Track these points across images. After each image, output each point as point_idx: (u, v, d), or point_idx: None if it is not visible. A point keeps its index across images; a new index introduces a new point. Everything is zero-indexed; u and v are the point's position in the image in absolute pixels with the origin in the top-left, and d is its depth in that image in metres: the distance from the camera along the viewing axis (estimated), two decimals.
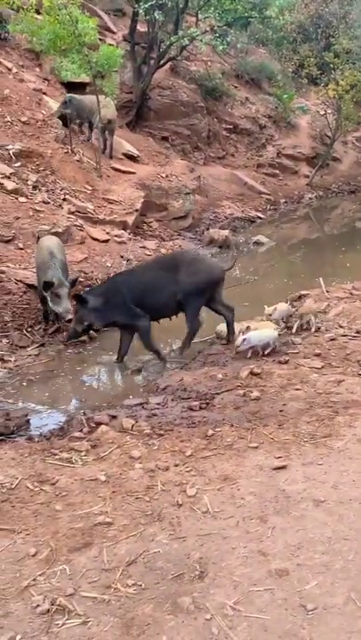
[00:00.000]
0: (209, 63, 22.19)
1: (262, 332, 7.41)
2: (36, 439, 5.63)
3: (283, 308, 8.14)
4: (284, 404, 5.79)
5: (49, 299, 8.26)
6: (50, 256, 8.45)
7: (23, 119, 13.41)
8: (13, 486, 4.36)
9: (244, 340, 7.21)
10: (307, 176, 23.47)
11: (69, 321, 8.28)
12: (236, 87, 23.59)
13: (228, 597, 3.35)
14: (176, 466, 4.70)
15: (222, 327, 8.42)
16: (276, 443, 5.03)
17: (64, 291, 8.23)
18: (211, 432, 5.27)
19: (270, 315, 7.92)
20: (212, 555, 3.67)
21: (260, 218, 19.06)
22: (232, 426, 5.40)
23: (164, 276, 7.85)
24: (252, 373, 6.65)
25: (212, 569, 3.56)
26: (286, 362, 6.94)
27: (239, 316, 8.51)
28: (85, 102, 14.64)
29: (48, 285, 8.13)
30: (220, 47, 18.98)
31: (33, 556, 3.67)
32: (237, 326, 8.05)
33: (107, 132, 15.15)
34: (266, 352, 7.27)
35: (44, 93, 15.20)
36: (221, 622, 3.19)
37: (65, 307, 8.22)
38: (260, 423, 5.43)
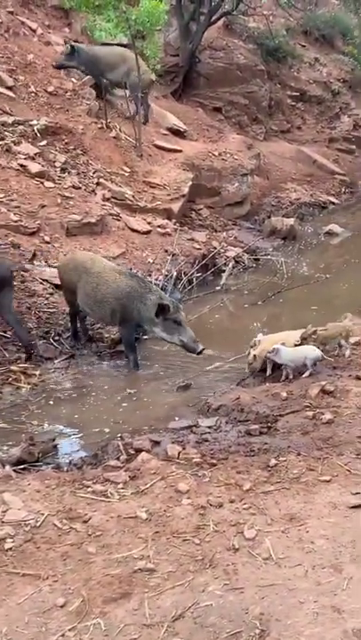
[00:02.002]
0: (271, 18, 22.16)
1: (300, 349, 7.23)
2: (65, 468, 5.68)
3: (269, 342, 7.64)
4: None
5: (158, 328, 8.21)
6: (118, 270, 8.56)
7: (50, 89, 13.64)
8: (38, 524, 4.41)
9: (273, 350, 7.13)
10: None
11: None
12: (303, 46, 23.52)
13: None
14: (231, 502, 4.68)
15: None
16: (354, 476, 4.97)
17: (183, 315, 8.25)
18: (273, 462, 5.23)
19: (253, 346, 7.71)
20: (275, 610, 3.65)
21: (332, 203, 18.95)
22: (299, 454, 5.36)
23: None
24: (323, 391, 6.59)
25: (275, 627, 3.53)
26: None
27: (305, 324, 8.48)
28: (99, 54, 14.60)
29: (163, 310, 8.05)
30: None
31: (62, 607, 3.70)
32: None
33: (142, 98, 14.98)
34: (304, 375, 7.11)
35: None
36: None
37: (192, 335, 8.19)
38: (333, 452, 5.37)
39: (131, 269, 8.72)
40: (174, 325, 8.09)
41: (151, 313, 8.09)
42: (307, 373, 7.05)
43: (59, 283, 9.28)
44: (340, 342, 7.56)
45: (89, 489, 4.90)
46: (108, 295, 8.28)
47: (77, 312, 8.70)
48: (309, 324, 7.58)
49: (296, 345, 7.27)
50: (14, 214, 10.24)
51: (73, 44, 14.54)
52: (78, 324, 8.80)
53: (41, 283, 9.36)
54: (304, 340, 7.30)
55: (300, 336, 7.39)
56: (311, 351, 7.13)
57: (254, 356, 7.45)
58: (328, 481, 4.91)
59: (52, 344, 8.64)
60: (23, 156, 11.45)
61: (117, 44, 15.12)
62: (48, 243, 10.25)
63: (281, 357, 7.12)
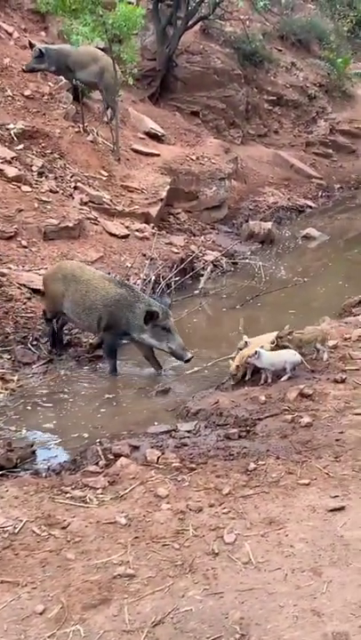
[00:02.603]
0: (247, 22, 22.23)
1: (280, 353, 7.16)
2: (44, 474, 5.66)
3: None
4: (341, 432, 5.73)
5: (147, 335, 8.17)
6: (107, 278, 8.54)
7: (26, 93, 13.59)
8: (17, 530, 4.39)
9: (255, 354, 7.07)
10: None
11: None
12: (280, 51, 23.62)
13: None
14: (211, 506, 4.68)
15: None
16: (332, 479, 4.99)
17: (172, 321, 8.22)
18: (253, 466, 5.24)
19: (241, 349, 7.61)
20: (255, 614, 3.65)
21: (310, 207, 19.05)
22: (278, 458, 5.37)
23: None
24: (301, 395, 6.61)
25: (255, 631, 3.54)
26: (343, 380, 6.88)
27: (284, 327, 8.52)
28: (68, 53, 14.35)
29: (152, 316, 8.04)
30: (261, 3, 19.09)
31: (41, 613, 3.69)
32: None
33: (112, 98, 14.77)
34: (282, 379, 7.07)
35: None
36: None
37: (181, 342, 8.18)
38: (312, 455, 5.39)
39: (116, 277, 8.68)
40: (163, 332, 8.08)
41: (140, 321, 8.07)
42: (285, 377, 7.02)
43: (36, 287, 9.25)
44: (316, 346, 7.52)
45: (68, 495, 4.89)
46: (97, 302, 8.24)
47: (58, 321, 8.67)
48: (287, 325, 7.58)
49: (272, 347, 7.27)
50: None
51: (40, 46, 14.39)
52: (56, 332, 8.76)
53: (18, 287, 9.31)
54: (279, 339, 7.29)
55: (275, 335, 7.39)
56: (291, 355, 7.10)
57: (237, 366, 7.39)
58: (307, 484, 4.92)
59: (29, 349, 8.60)
60: (0, 160, 11.40)
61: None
62: (25, 247, 10.21)
63: (262, 361, 7.07)
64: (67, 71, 14.47)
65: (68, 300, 8.36)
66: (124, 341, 8.53)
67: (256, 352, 7.03)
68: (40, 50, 14.04)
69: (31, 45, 14.53)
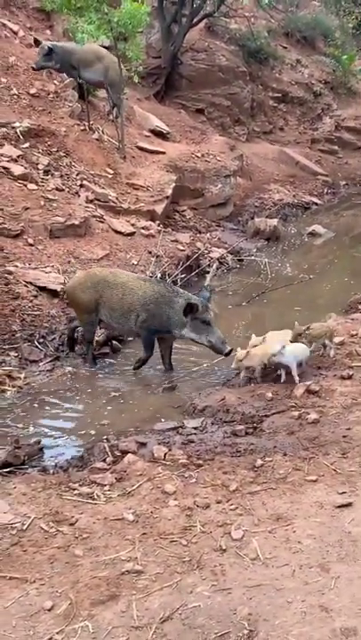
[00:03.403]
0: (252, 20, 22.22)
1: (298, 347, 7.10)
2: (51, 471, 5.67)
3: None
4: (348, 429, 5.73)
5: (187, 329, 8.08)
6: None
7: (32, 91, 13.58)
8: (25, 527, 4.39)
9: (279, 351, 6.84)
10: None
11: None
12: (285, 48, 23.60)
13: None
14: (218, 503, 4.68)
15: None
16: (340, 475, 4.98)
17: (211, 315, 8.14)
18: (260, 462, 5.24)
19: (241, 360, 7.28)
20: (263, 610, 3.65)
21: (315, 204, 19.03)
22: (285, 455, 5.37)
23: None
24: (308, 391, 6.61)
25: (263, 627, 3.53)
26: (350, 377, 6.88)
27: (289, 324, 8.49)
28: (73, 51, 14.33)
29: (192, 309, 7.94)
30: (266, 0, 19.02)
31: (49, 610, 3.69)
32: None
33: (117, 96, 14.81)
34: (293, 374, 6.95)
35: None
36: None
37: (220, 336, 8.09)
38: (319, 451, 5.39)
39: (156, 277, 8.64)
40: (203, 326, 8.02)
41: (180, 316, 8.03)
42: (295, 374, 6.92)
43: (42, 285, 9.26)
44: (324, 342, 7.51)
45: (75, 491, 4.90)
46: (136, 303, 8.22)
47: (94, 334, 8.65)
48: (295, 322, 7.54)
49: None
50: None
51: (48, 43, 14.37)
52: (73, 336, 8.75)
53: (25, 285, 9.31)
54: (299, 336, 7.24)
55: (293, 333, 7.34)
56: (306, 350, 7.13)
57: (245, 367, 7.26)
58: (314, 481, 4.92)
59: (36, 347, 8.59)
60: (6, 159, 11.39)
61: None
62: (32, 245, 10.21)
63: (286, 357, 6.87)
64: (71, 69, 14.44)
65: (105, 306, 8.32)
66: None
67: (283, 347, 6.86)
68: (49, 47, 14.03)
69: (37, 43, 14.49)
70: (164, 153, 15.45)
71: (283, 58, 23.02)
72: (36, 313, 9.03)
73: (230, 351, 7.95)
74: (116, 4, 14.25)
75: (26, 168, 11.49)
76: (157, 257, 11.54)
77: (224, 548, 4.17)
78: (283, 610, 3.65)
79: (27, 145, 12.15)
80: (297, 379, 6.85)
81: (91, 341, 8.54)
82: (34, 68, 14.06)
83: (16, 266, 9.59)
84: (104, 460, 5.62)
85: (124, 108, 15.03)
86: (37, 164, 11.95)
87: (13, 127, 12.23)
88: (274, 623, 3.56)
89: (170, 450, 5.59)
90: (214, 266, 12.37)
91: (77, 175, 12.54)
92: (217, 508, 4.62)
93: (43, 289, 9.29)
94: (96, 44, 14.60)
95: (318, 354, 7.51)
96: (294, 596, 3.74)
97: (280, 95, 22.41)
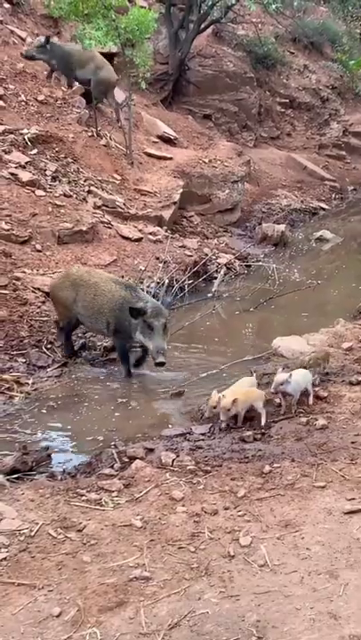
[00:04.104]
0: (259, 25, 22.26)
1: (302, 374, 6.61)
2: (59, 477, 5.67)
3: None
4: (356, 435, 5.73)
5: (137, 332, 8.05)
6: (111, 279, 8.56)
7: (40, 98, 13.64)
8: (33, 533, 4.39)
9: (286, 380, 6.32)
10: None
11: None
12: (292, 53, 23.62)
13: None
14: (226, 509, 4.68)
15: (280, 342, 8.39)
16: (348, 481, 4.98)
17: (161, 322, 8.05)
18: (268, 468, 5.24)
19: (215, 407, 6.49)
20: (271, 617, 3.64)
21: (323, 209, 19.01)
22: (293, 461, 5.37)
23: None
24: (316, 397, 6.60)
25: (271, 634, 3.53)
26: (359, 382, 6.88)
27: (297, 330, 8.49)
28: (72, 52, 14.46)
29: (138, 312, 7.95)
30: (273, 6, 19.08)
31: (57, 616, 3.69)
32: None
33: (110, 98, 15.15)
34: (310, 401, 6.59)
35: None
36: None
37: (160, 345, 7.99)
38: (327, 458, 5.38)
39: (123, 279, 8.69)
40: (148, 330, 8.03)
41: (138, 321, 8.06)
42: (311, 399, 6.59)
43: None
44: (324, 366, 7.16)
45: (83, 497, 4.90)
46: (105, 307, 8.27)
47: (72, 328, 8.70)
48: (310, 353, 7.27)
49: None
50: (5, 223, 10.22)
51: (48, 37, 14.43)
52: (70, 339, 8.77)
53: (33, 291, 9.33)
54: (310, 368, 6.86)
55: (308, 362, 6.97)
56: (309, 374, 6.68)
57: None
58: (323, 487, 4.92)
59: (44, 352, 8.60)
60: (14, 165, 11.44)
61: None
62: (39, 251, 10.24)
63: (293, 387, 6.41)
64: (68, 69, 14.59)
65: (79, 305, 8.39)
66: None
67: (291, 375, 6.38)
68: (47, 38, 14.14)
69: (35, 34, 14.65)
70: (171, 159, 15.49)
71: (290, 63, 23.05)
72: (43, 319, 9.04)
73: (161, 362, 7.95)
74: (124, 10, 14.31)
75: (34, 174, 11.53)
76: (165, 263, 11.55)
77: (232, 554, 4.17)
78: (291, 617, 3.64)
79: (35, 151, 12.20)
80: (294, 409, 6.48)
81: (62, 329, 8.65)
82: (22, 54, 14.09)
83: (24, 272, 9.62)
84: (112, 467, 5.62)
85: (121, 107, 15.12)
86: (45, 170, 12.00)
87: (21, 134, 12.28)
88: (282, 630, 3.55)
89: (178, 456, 5.59)
90: (222, 271, 12.38)
91: (85, 181, 12.57)
92: (225, 515, 4.61)
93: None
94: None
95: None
96: (303, 603, 3.73)
97: (287, 101, 22.43)
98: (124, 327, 8.20)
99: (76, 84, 14.68)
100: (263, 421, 6.33)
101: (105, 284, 8.37)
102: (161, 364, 8.02)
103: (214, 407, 6.40)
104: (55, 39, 14.90)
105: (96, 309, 8.31)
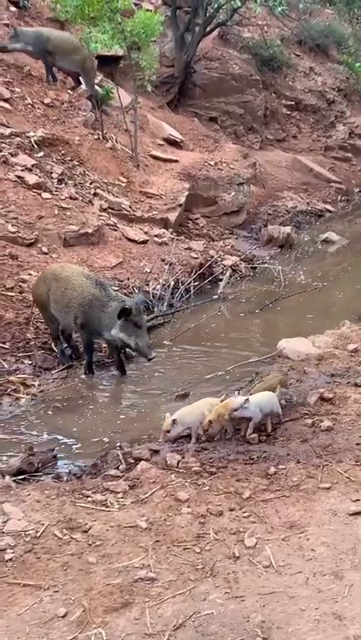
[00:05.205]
0: (265, 28, 22.26)
1: (265, 396, 6.20)
2: (65, 478, 5.69)
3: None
4: None
5: (116, 330, 8.13)
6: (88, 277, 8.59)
7: (46, 101, 13.68)
8: (39, 534, 4.40)
9: (242, 405, 5.92)
10: None
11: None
12: (298, 56, 23.61)
13: None
14: (231, 510, 4.68)
15: (286, 343, 8.39)
16: (353, 483, 4.97)
17: (144, 319, 8.25)
18: (273, 470, 5.24)
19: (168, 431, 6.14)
20: (276, 618, 3.64)
21: (329, 211, 18.98)
22: (299, 462, 5.37)
23: None
24: (322, 399, 6.60)
25: (276, 635, 3.53)
26: None
27: (303, 332, 8.47)
28: (46, 35, 14.25)
29: (126, 312, 8.00)
30: (279, 8, 19.06)
31: (63, 617, 3.70)
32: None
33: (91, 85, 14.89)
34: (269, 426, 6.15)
35: None
36: None
37: (147, 340, 8.22)
38: (332, 459, 5.38)
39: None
40: (133, 328, 8.11)
41: (111, 319, 8.14)
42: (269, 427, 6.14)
43: None
44: (281, 391, 6.55)
45: (89, 498, 4.91)
46: (74, 301, 8.32)
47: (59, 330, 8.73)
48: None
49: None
50: (12, 225, 10.25)
51: (16, 27, 14.36)
52: (64, 344, 8.79)
53: None
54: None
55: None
56: (274, 397, 6.24)
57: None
58: (328, 488, 4.92)
59: (50, 355, 8.64)
60: (20, 168, 11.47)
61: None
62: (46, 254, 10.26)
63: (252, 410, 5.95)
64: (46, 55, 14.34)
65: (52, 299, 8.45)
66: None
67: (246, 400, 5.94)
68: (15, 29, 14.04)
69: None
70: (177, 161, 15.51)
71: (296, 66, 23.05)
72: None
73: (154, 357, 8.21)
74: (130, 13, 14.34)
75: (40, 177, 11.56)
76: (170, 265, 11.56)
77: (237, 555, 4.17)
78: (296, 617, 3.64)
79: (41, 154, 12.23)
80: (253, 435, 6.00)
81: (57, 337, 8.69)
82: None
83: (30, 274, 9.64)
84: (117, 468, 5.64)
85: (127, 110, 15.11)
86: (51, 172, 12.03)
87: (28, 136, 12.31)
88: (287, 631, 3.55)
89: (183, 457, 5.60)
90: (227, 273, 12.40)
91: (91, 184, 12.60)
92: (230, 516, 4.62)
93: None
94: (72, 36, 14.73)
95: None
96: (308, 604, 3.73)
97: (293, 103, 22.42)
98: (92, 324, 8.30)
99: (82, 87, 14.67)
100: (193, 440, 6.05)
101: (76, 279, 8.44)
102: (153, 358, 8.22)
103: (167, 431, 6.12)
104: (33, 28, 14.77)
105: (65, 303, 8.37)
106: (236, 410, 5.90)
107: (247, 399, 5.97)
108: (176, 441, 6.09)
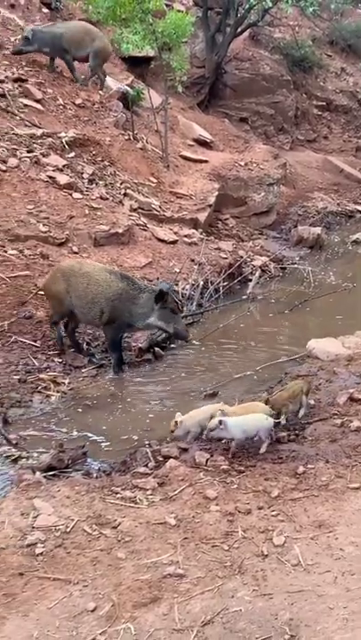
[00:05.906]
0: (296, 28, 22.19)
1: (250, 418, 5.88)
2: (95, 475, 5.72)
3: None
4: None
5: (153, 318, 8.32)
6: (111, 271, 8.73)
7: (77, 102, 13.75)
8: (69, 530, 4.45)
9: (219, 423, 5.69)
10: None
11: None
12: (329, 56, 23.50)
13: None
14: (260, 509, 4.69)
15: (315, 344, 8.36)
16: None
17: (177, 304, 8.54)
18: (302, 469, 5.23)
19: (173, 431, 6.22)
20: (304, 616, 3.64)
21: (359, 212, 18.85)
22: (328, 462, 5.35)
23: None
24: (351, 399, 6.57)
25: (304, 633, 3.53)
26: None
27: (332, 332, 8.42)
28: (59, 32, 14.05)
29: (162, 297, 8.23)
30: (310, 9, 18.98)
31: (92, 611, 3.74)
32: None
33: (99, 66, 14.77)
34: (261, 450, 5.76)
35: None
36: None
37: (184, 323, 8.54)
38: None
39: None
40: (171, 314, 8.31)
41: (144, 309, 8.30)
42: (263, 448, 5.76)
43: None
44: (302, 400, 6.44)
45: (118, 495, 4.94)
46: (100, 296, 8.38)
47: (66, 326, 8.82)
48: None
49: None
50: (43, 225, 10.33)
51: (28, 28, 14.03)
52: (63, 333, 8.80)
53: None
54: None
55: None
56: (263, 420, 5.84)
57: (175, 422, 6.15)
58: (357, 488, 4.90)
59: (80, 353, 8.71)
60: (52, 168, 11.54)
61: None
62: (76, 253, 10.31)
63: (230, 430, 5.70)
64: (63, 52, 14.15)
65: (72, 295, 8.48)
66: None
67: (220, 421, 5.69)
68: (30, 33, 13.69)
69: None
70: (207, 162, 15.50)
71: (327, 66, 22.94)
72: None
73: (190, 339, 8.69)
74: (161, 14, 14.37)
75: (71, 177, 11.63)
76: (200, 265, 11.57)
77: (266, 553, 4.18)
78: (324, 616, 3.64)
79: (72, 154, 12.30)
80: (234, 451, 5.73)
81: (55, 323, 8.72)
82: (12, 53, 13.86)
83: None
84: (146, 465, 5.66)
85: (157, 111, 15.15)
86: (82, 173, 12.09)
87: (59, 137, 12.39)
88: (315, 629, 3.55)
89: (212, 456, 5.61)
90: (257, 274, 12.38)
91: (121, 184, 12.64)
92: (258, 514, 4.62)
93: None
94: (82, 22, 14.75)
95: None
96: (336, 603, 3.73)
97: (324, 103, 22.32)
98: (122, 317, 8.41)
99: (110, 85, 14.66)
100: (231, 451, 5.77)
101: (99, 274, 8.52)
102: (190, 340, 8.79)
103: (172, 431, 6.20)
104: (39, 27, 14.35)
105: (89, 299, 8.42)
106: (212, 430, 5.73)
107: (220, 421, 5.67)
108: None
